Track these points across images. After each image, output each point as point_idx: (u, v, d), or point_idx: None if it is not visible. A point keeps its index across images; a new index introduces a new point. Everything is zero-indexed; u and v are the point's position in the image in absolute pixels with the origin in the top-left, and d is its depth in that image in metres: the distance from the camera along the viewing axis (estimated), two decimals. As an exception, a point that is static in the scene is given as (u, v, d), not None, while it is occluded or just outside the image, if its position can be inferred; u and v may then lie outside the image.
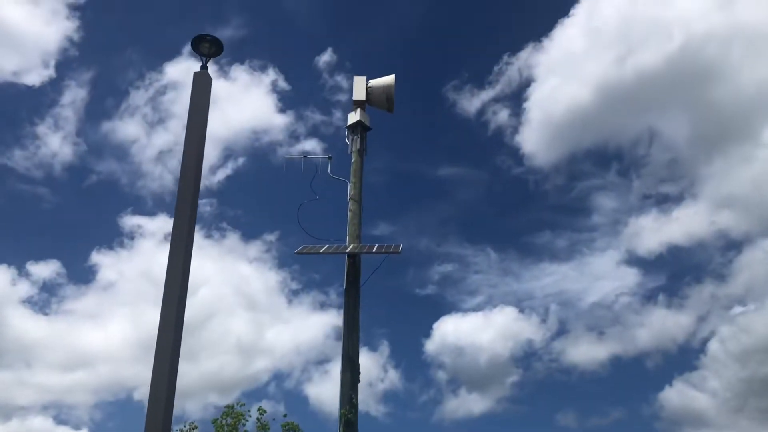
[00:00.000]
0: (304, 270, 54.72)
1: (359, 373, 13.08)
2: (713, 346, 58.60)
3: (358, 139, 14.35)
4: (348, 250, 13.07)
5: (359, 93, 14.68)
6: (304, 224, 13.90)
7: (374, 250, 13.15)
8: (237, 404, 24.54)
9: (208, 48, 9.05)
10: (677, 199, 65.54)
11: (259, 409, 24.52)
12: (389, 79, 14.83)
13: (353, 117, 14.54)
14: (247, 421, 24.00)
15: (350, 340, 13.38)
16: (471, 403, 53.71)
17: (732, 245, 65.14)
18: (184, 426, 23.30)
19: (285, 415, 24.73)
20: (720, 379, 56.98)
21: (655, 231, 62.18)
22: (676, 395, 60.56)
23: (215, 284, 52.28)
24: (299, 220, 13.91)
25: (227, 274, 56.22)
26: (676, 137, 57.91)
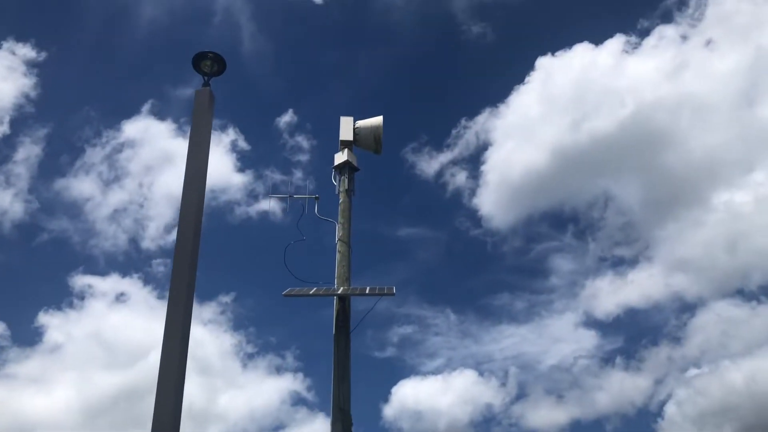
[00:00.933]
0: (260, 333, 53.20)
1: (351, 424, 12.27)
2: (670, 409, 58.97)
3: (346, 180, 14.03)
4: (339, 292, 12.47)
5: (346, 133, 14.44)
6: (290, 267, 13.26)
7: (367, 291, 12.59)
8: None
9: (209, 66, 8.64)
10: (632, 262, 67.02)
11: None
12: (377, 120, 14.67)
13: (340, 157, 14.24)
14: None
15: (340, 389, 12.65)
16: None
17: (686, 307, 66.51)
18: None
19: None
20: None
21: (612, 293, 63.22)
22: None
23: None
24: (285, 262, 13.28)
25: None
26: (630, 201, 59.86)
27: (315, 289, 12.86)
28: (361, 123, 14.48)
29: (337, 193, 13.90)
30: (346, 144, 14.19)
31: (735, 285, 63.90)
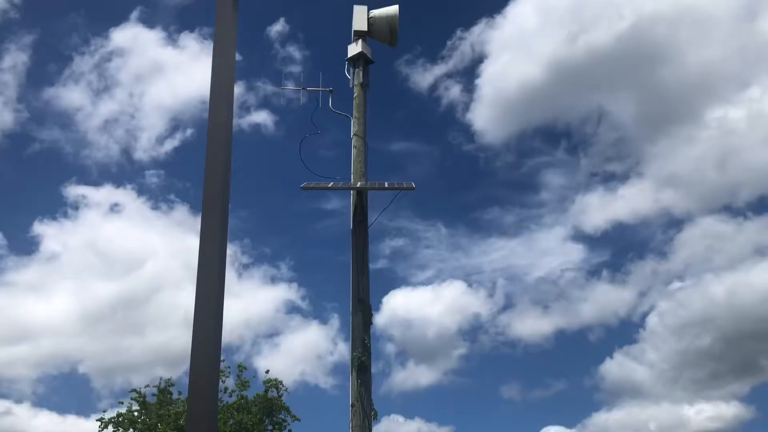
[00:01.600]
0: (255, 244, 54.04)
1: (371, 314, 12.64)
2: (652, 320, 61.17)
3: (361, 72, 13.66)
4: (358, 186, 12.45)
5: (360, 23, 13.90)
6: (305, 160, 13.16)
7: (386, 186, 12.58)
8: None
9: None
10: (623, 178, 67.45)
11: (239, 366, 23.96)
12: (393, 9, 14.09)
13: (354, 49, 13.79)
14: (227, 377, 23.39)
15: (360, 282, 12.91)
16: (419, 375, 54.60)
17: (673, 223, 67.63)
18: (160, 383, 22.52)
19: (267, 371, 24.26)
20: (658, 352, 59.50)
21: (601, 208, 64.06)
22: (616, 367, 62.97)
23: (162, 257, 51.05)
24: (301, 155, 13.18)
25: (175, 247, 54.90)
26: (624, 116, 59.10)
27: (332, 183, 12.86)
28: (375, 12, 13.92)
29: (350, 86, 13.58)
30: (359, 35, 13.70)
31: (723, 201, 64.37)
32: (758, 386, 56.18)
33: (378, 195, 13.05)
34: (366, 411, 11.61)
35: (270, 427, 23.08)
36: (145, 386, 22.68)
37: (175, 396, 22.86)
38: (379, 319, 54.49)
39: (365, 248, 13.32)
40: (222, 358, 23.07)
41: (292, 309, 50.75)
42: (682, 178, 57.17)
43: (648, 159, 60.71)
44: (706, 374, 56.35)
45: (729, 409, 58.76)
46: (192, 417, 4.84)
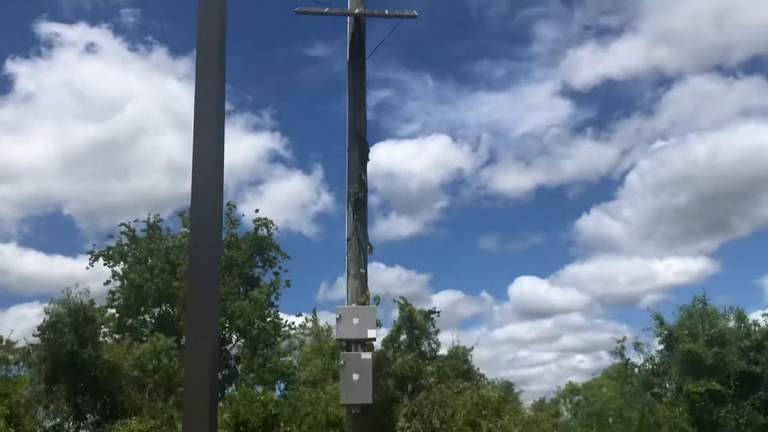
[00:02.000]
0: (237, 90, 52.08)
1: (368, 150, 12.29)
2: (632, 178, 61.38)
3: None
4: (356, 12, 11.58)
5: None
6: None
7: (386, 13, 11.70)
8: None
9: None
10: (617, 32, 64.36)
11: (227, 204, 23.94)
12: None
13: None
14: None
15: (357, 116, 12.44)
16: (400, 226, 55.78)
17: (663, 81, 65.72)
18: (149, 218, 22.54)
19: (257, 210, 24.34)
20: (634, 209, 60.49)
21: (592, 63, 61.70)
22: (592, 223, 64.31)
23: (142, 101, 49.42)
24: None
25: (155, 90, 52.94)
26: None
27: (329, 8, 11.95)
28: None
29: None
30: None
31: (716, 60, 62.00)
32: (727, 243, 58.44)
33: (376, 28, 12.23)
34: (362, 244, 11.62)
35: (260, 264, 23.58)
36: (134, 221, 22.73)
37: (164, 233, 23.06)
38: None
39: (362, 81, 12.71)
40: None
41: (275, 158, 50.45)
42: (678, 34, 55.05)
43: (644, 13, 58.06)
44: (678, 231, 58.15)
45: (697, 264, 61.49)
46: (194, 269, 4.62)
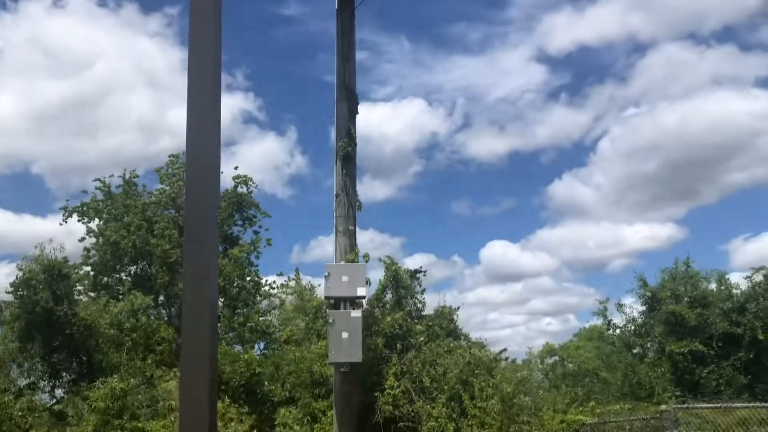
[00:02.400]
0: None
1: (357, 102, 11.91)
2: (604, 144, 61.76)
3: None
4: (347, -43, 11.07)
5: None
6: None
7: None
8: (183, 154, 23.09)
9: None
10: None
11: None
12: None
13: None
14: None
15: (345, 67, 12.04)
16: (375, 189, 55.42)
17: (638, 48, 65.37)
18: (125, 174, 21.89)
19: (236, 168, 23.80)
20: (605, 175, 60.89)
21: (568, 29, 61.07)
22: (564, 188, 64.71)
23: (112, 58, 47.74)
24: None
25: (125, 48, 51.17)
26: None
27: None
28: None
29: None
30: None
31: (689, 28, 62.00)
32: (694, 209, 59.44)
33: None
34: (351, 201, 11.32)
35: (240, 222, 23.14)
36: (110, 176, 22.06)
37: (140, 189, 22.45)
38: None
39: (351, 31, 12.26)
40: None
41: (248, 119, 49.50)
42: (652, 1, 54.92)
43: None
44: (647, 197, 58.97)
45: (664, 230, 62.66)
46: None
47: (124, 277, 22.22)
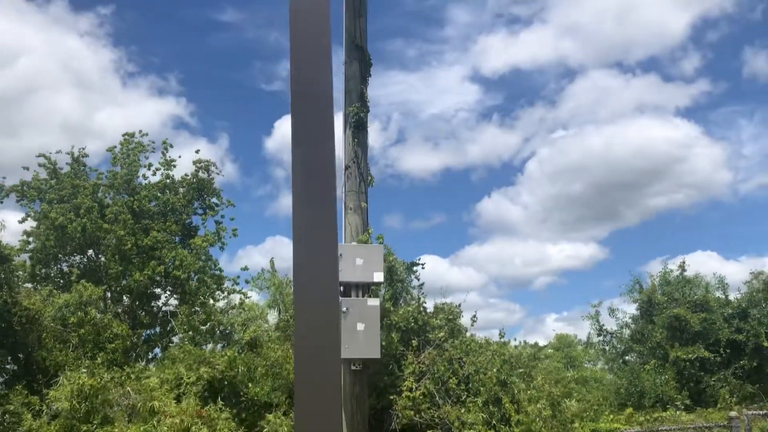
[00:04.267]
0: (143, 52, 48.55)
1: (370, 63, 10.58)
2: (532, 165, 63.69)
3: None
4: None
5: None
6: None
7: None
8: (140, 133, 21.23)
9: None
10: (527, 22, 65.89)
11: (164, 142, 21.55)
12: None
13: None
14: (151, 152, 21.00)
15: (356, 24, 10.70)
16: None
17: (567, 73, 68.00)
18: (73, 151, 19.88)
19: (198, 151, 22.04)
20: (532, 195, 62.78)
21: (502, 51, 62.88)
22: (493, 206, 66.38)
23: (38, 56, 45.29)
24: None
25: (52, 46, 48.49)
26: None
27: None
28: None
29: None
30: None
31: (616, 56, 65.25)
32: (616, 231, 61.61)
33: None
34: (363, 174, 9.98)
35: (201, 211, 21.36)
36: (56, 152, 19.99)
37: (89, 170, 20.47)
38: (270, 144, 52.39)
39: (364, -15, 10.95)
40: (144, 132, 20.51)
41: (179, 125, 47.68)
42: (582, 28, 57.49)
43: (553, 5, 59.97)
44: (572, 218, 60.94)
45: (587, 250, 64.70)
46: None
47: (66, 269, 20.18)
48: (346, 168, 9.99)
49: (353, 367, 8.92)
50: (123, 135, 21.13)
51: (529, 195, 64.36)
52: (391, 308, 10.08)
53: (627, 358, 20.22)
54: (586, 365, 24.88)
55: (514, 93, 65.53)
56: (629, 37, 60.41)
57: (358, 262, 9.14)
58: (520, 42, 63.38)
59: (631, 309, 20.88)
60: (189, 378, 10.03)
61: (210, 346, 17.88)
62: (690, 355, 17.96)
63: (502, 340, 10.23)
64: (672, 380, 17.56)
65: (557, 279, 69.26)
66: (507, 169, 64.40)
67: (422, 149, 65.70)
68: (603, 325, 20.78)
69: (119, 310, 19.12)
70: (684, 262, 20.83)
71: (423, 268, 12.86)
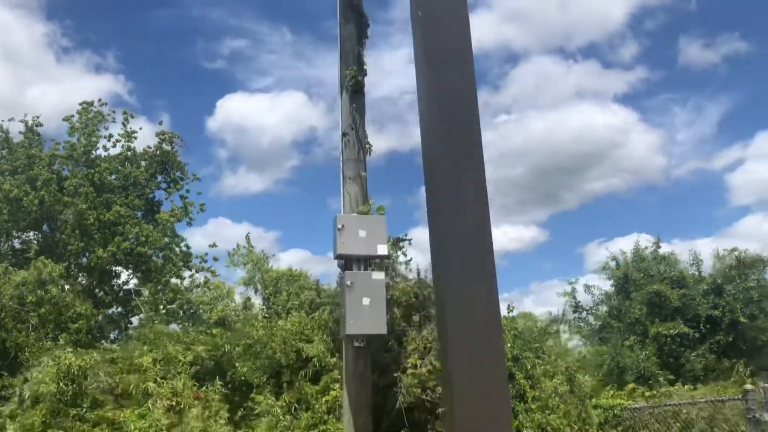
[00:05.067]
0: (78, 27, 46.42)
1: (367, 24, 10.08)
2: None
3: None
4: None
5: None
6: None
7: None
8: (99, 102, 20.16)
9: None
10: (471, 6, 66.51)
11: (125, 112, 20.53)
12: None
13: None
14: (111, 123, 19.99)
15: (352, -17, 10.07)
16: (249, 182, 53.63)
17: (511, 58, 69.36)
18: (26, 119, 18.74)
19: (161, 123, 21.12)
20: None
21: None
22: None
23: None
24: None
25: None
26: None
27: None
28: None
29: None
30: None
31: (558, 42, 67.17)
32: (555, 215, 63.55)
33: None
34: (361, 141, 9.51)
35: (164, 185, 20.46)
36: (9, 119, 18.79)
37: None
38: (212, 123, 51.03)
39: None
40: (103, 101, 19.30)
41: (118, 103, 46.01)
42: (526, 14, 58.56)
43: None
44: (514, 201, 62.46)
45: (528, 233, 66.48)
46: None
47: (19, 245, 19.11)
48: (344, 135, 9.49)
49: (356, 344, 8.52)
50: (80, 104, 20.04)
51: (466, 178, 65.95)
52: (390, 282, 9.70)
53: (603, 335, 20.46)
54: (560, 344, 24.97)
55: (459, 76, 66.62)
56: (571, 23, 61.72)
57: (361, 234, 8.70)
58: (465, 26, 64.40)
59: (606, 285, 21.20)
60: (186, 357, 9.45)
61: (174, 325, 17.23)
62: (671, 331, 18.27)
63: (511, 314, 9.98)
64: (653, 356, 17.83)
65: (499, 261, 70.46)
66: (452, 152, 65.42)
67: (369, 131, 65.71)
68: (579, 301, 21.00)
69: (78, 290, 18.21)
70: (659, 239, 21.27)
71: (410, 244, 12.52)
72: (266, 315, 13.04)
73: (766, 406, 7.71)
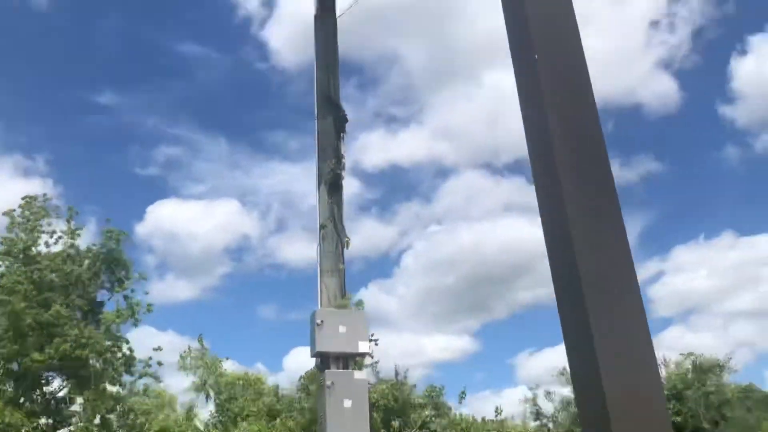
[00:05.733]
0: (9, 129, 46.52)
1: (346, 119, 10.09)
2: (407, 258, 67.16)
3: None
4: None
5: None
6: None
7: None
8: (43, 197, 19.41)
9: None
10: (404, 122, 71.58)
11: (70, 209, 19.79)
12: None
13: None
14: (57, 218, 19.19)
15: (330, 79, 10.32)
16: (177, 290, 53.24)
17: (442, 172, 73.66)
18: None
19: (109, 220, 20.33)
20: (407, 287, 65.68)
21: (381, 148, 67.68)
22: (370, 297, 67.93)
23: None
24: None
25: None
26: (415, 64, 61.18)
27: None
28: None
29: None
30: None
31: (486, 158, 72.35)
32: (487, 324, 64.67)
33: None
34: (339, 234, 9.25)
35: (108, 285, 19.44)
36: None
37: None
38: (141, 229, 50.79)
39: (333, 39, 10.64)
40: (48, 196, 18.73)
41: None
42: (456, 131, 63.00)
43: (430, 108, 65.54)
44: (445, 310, 63.43)
45: (459, 342, 66.71)
46: None
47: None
48: (322, 227, 9.23)
49: (335, 452, 7.86)
50: (23, 198, 19.23)
51: (404, 287, 65.94)
52: (368, 384, 9.18)
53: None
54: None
55: (393, 188, 68.90)
56: (498, 141, 65.30)
57: (341, 330, 8.26)
58: (398, 141, 67.61)
59: (565, 391, 20.85)
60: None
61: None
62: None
63: (499, 417, 9.52)
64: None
65: (432, 371, 69.69)
66: (384, 261, 65.88)
67: (302, 238, 65.92)
68: (539, 408, 20.51)
69: (6, 398, 16.67)
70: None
71: (377, 344, 12.08)
72: (217, 425, 12.19)
73: None
